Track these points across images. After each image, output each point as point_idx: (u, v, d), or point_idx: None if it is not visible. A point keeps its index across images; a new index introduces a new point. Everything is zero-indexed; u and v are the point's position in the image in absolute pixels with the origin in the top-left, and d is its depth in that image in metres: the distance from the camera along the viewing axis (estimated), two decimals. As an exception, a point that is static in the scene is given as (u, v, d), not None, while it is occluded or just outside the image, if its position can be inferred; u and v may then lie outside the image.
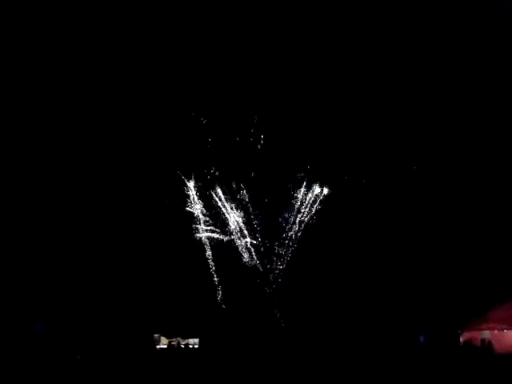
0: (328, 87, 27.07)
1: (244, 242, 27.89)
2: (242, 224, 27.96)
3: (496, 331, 19.83)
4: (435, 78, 26.79)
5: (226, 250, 27.78)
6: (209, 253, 27.49)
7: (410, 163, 27.33)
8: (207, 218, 27.97)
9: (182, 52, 26.67)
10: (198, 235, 27.64)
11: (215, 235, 27.84)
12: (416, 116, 27.11)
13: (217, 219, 28.02)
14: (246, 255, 27.86)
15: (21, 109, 26.03)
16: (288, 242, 28.05)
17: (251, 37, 26.34)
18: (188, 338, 26.92)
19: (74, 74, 26.37)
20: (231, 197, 27.99)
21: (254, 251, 27.96)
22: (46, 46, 26.00)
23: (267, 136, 27.74)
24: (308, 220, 28.32)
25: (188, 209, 27.79)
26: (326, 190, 28.27)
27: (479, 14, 24.96)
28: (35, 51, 25.94)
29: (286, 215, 28.32)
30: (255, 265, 27.84)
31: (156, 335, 27.06)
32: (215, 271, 27.39)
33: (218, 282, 27.31)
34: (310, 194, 28.22)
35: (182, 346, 25.55)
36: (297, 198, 28.31)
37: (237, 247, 27.92)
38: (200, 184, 27.80)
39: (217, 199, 27.80)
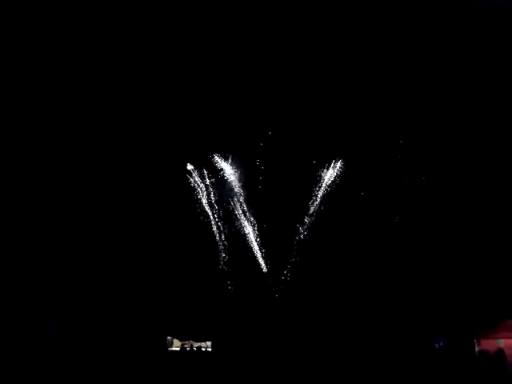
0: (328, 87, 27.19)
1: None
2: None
3: (511, 339, 19.46)
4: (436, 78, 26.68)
5: (238, 251, 27.76)
6: (223, 255, 27.51)
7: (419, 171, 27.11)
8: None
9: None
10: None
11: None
12: (416, 116, 27.03)
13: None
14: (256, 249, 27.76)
15: (21, 109, 26.44)
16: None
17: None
18: (201, 341, 26.99)
19: (73, 74, 26.78)
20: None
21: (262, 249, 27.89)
22: (46, 46, 26.42)
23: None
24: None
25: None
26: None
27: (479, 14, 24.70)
28: (35, 52, 26.40)
29: None
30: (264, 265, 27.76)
31: (169, 338, 27.20)
32: (228, 273, 27.40)
33: (231, 284, 27.32)
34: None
35: (195, 349, 25.65)
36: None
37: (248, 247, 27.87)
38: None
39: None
